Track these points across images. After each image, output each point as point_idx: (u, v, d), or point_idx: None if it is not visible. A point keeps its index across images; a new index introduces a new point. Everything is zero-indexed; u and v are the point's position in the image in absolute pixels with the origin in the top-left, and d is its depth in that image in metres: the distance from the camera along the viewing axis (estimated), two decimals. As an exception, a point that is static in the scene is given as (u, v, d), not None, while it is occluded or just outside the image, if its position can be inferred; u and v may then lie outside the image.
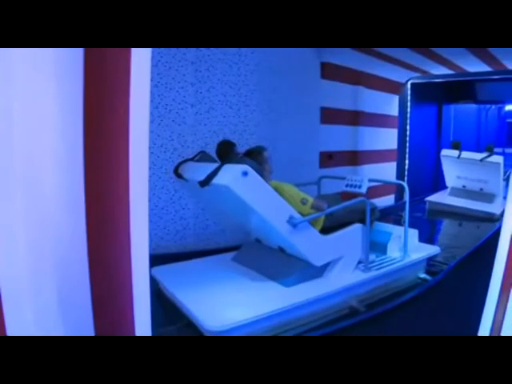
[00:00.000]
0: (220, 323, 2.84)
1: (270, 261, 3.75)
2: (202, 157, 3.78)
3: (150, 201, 4.93)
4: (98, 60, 1.27)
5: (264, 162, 3.71)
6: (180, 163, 3.71)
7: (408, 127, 9.49)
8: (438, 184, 10.47)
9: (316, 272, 3.60)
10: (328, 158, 6.79)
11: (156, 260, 4.45)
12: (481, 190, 8.12)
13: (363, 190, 4.19)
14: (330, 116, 6.84)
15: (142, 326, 1.44)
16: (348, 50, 6.19)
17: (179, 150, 4.96)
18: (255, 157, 3.67)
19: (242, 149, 5.21)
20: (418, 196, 8.55)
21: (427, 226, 7.68)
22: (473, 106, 12.47)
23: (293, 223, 3.26)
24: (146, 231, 1.43)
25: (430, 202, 8.52)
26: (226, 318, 2.89)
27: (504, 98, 11.12)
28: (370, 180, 4.40)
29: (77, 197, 1.28)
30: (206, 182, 3.11)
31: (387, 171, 8.60)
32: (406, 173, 9.46)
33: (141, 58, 1.34)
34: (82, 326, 1.32)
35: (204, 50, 4.96)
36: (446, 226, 7.79)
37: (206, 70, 5.02)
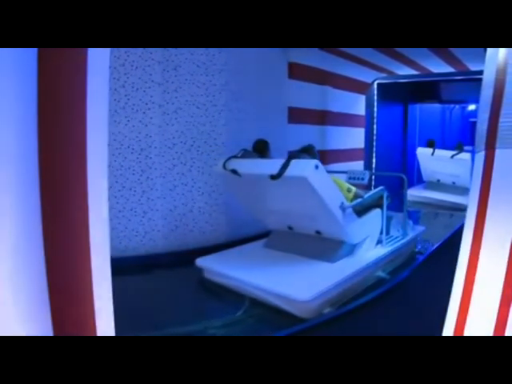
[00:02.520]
0: (307, 294, 3.27)
1: (310, 243, 4.22)
2: (245, 154, 4.34)
3: (117, 202, 4.86)
4: (53, 60, 1.23)
5: (316, 157, 4.18)
6: (227, 160, 4.20)
7: (375, 126, 9.66)
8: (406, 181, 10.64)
9: (349, 250, 4.17)
10: (297, 158, 6.83)
11: (124, 262, 4.42)
12: (453, 183, 8.79)
13: (365, 181, 4.79)
14: (298, 116, 6.88)
15: (104, 326, 1.42)
16: (315, 50, 6.24)
17: (146, 151, 4.90)
18: (310, 153, 4.23)
19: (210, 148, 5.23)
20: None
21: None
22: (437, 106, 12.73)
23: (343, 208, 3.86)
24: (106, 232, 1.40)
25: (409, 194, 8.86)
26: (308, 290, 3.32)
27: (466, 98, 11.46)
28: (371, 174, 5.16)
29: (32, 200, 1.24)
30: (278, 176, 3.63)
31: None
32: (374, 171, 9.59)
33: (98, 59, 1.31)
34: (40, 326, 1.28)
35: (171, 49, 4.90)
36: (423, 215, 8.36)
37: (173, 69, 4.96)
